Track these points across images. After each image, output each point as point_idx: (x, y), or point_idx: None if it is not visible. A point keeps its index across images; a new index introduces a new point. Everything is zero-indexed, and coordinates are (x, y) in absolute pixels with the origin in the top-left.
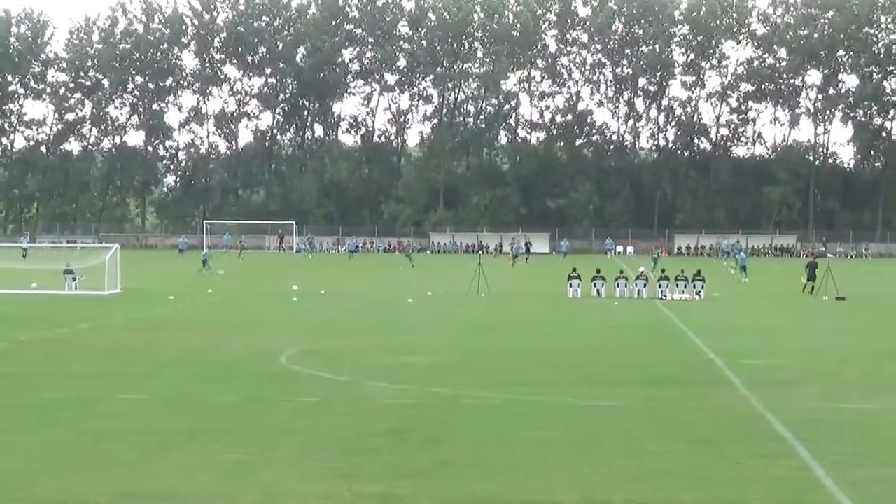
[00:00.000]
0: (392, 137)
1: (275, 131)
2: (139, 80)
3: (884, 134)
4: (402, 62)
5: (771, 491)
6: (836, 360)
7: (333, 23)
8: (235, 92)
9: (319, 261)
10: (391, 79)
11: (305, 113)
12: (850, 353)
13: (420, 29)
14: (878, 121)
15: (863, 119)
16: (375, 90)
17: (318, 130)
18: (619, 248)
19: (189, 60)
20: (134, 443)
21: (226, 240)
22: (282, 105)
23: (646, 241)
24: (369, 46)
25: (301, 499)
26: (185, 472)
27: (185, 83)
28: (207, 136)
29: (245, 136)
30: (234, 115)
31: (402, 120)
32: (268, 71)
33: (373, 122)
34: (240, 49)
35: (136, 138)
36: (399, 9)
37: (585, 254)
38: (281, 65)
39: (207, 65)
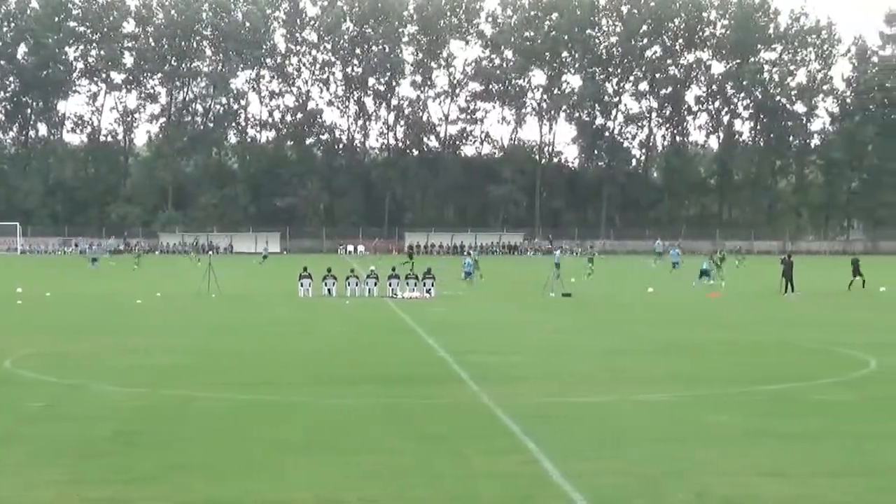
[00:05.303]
0: (119, 137)
1: None
2: None
3: (606, 134)
4: (128, 60)
5: (500, 486)
6: (563, 356)
7: (56, 19)
8: None
9: (46, 263)
10: (118, 77)
11: (28, 111)
12: (577, 348)
13: (147, 27)
14: (600, 121)
15: (586, 119)
16: (101, 89)
17: (42, 129)
18: (351, 248)
19: None
20: None
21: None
22: (3, 103)
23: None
24: (94, 44)
25: None
26: None
27: None
28: None
29: None
30: None
31: (129, 119)
32: None
33: (99, 121)
34: None
35: None
36: (124, 6)
37: (315, 253)
38: (1, 62)
39: None
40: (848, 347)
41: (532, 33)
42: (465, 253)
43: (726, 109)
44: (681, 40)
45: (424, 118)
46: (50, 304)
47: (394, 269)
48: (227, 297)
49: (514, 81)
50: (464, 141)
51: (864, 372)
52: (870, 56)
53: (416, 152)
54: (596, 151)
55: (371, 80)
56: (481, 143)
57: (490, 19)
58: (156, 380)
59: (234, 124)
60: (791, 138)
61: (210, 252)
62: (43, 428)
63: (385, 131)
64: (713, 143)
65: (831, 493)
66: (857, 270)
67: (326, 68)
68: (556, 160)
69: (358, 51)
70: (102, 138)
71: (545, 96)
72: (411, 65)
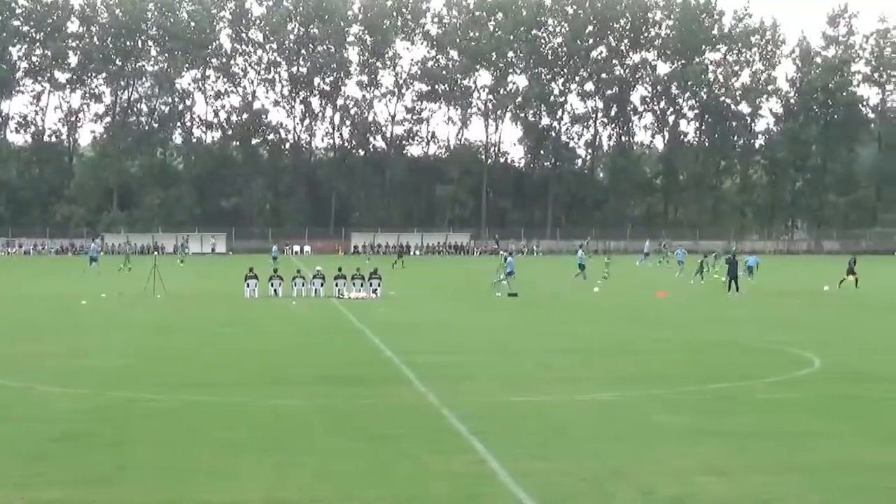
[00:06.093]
0: (63, 137)
1: None
2: None
3: (552, 134)
4: (73, 60)
5: (450, 485)
6: (509, 355)
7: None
8: None
9: None
10: (62, 77)
11: None
12: (523, 347)
13: (91, 26)
14: (546, 121)
15: (531, 119)
16: (46, 88)
17: None
18: (297, 248)
19: None
20: None
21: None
22: None
23: (323, 239)
24: (38, 44)
25: None
26: None
27: None
28: None
29: None
30: None
31: (73, 119)
32: None
33: (43, 121)
34: None
35: None
36: (68, 5)
37: (261, 253)
38: None
39: None
40: (793, 346)
41: (477, 33)
42: (508, 253)
43: (671, 110)
44: (626, 41)
45: (370, 118)
46: None
47: (340, 270)
48: (173, 298)
49: (460, 82)
50: (410, 141)
51: (808, 371)
52: (813, 57)
53: (362, 152)
54: (542, 151)
55: (317, 80)
56: (427, 144)
57: (435, 19)
58: (103, 381)
59: (179, 124)
60: (735, 138)
61: (156, 253)
62: None
63: (331, 131)
64: (658, 143)
65: (776, 490)
66: (852, 269)
67: (272, 68)
68: (502, 160)
69: (304, 51)
70: (46, 138)
71: (491, 96)
72: (357, 65)
